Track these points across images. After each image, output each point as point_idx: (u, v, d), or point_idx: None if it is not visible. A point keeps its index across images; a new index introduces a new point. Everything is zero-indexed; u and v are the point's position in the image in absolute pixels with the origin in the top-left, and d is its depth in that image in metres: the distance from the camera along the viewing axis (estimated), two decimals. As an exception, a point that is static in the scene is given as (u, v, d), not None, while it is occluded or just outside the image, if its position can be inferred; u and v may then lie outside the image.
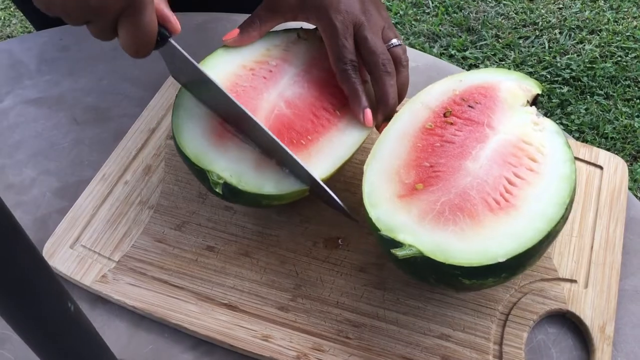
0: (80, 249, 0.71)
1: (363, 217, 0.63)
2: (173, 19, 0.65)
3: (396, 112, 0.70)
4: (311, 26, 0.75)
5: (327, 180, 0.67)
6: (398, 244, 0.58)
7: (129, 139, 0.80)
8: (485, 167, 0.63)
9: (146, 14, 0.59)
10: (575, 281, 0.66)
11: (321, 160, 0.67)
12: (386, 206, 0.61)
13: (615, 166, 0.74)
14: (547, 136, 0.65)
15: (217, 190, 0.64)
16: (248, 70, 0.72)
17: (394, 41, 0.70)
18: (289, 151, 0.64)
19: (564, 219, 0.59)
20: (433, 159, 0.64)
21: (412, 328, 0.65)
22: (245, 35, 0.73)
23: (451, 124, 0.67)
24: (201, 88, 0.68)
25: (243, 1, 0.97)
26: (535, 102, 0.69)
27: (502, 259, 0.56)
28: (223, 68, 0.72)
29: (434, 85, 0.71)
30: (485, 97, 0.69)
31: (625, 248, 0.69)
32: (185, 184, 0.76)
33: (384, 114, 0.69)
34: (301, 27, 0.77)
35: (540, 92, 0.69)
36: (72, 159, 0.81)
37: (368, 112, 0.68)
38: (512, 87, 0.69)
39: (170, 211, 0.74)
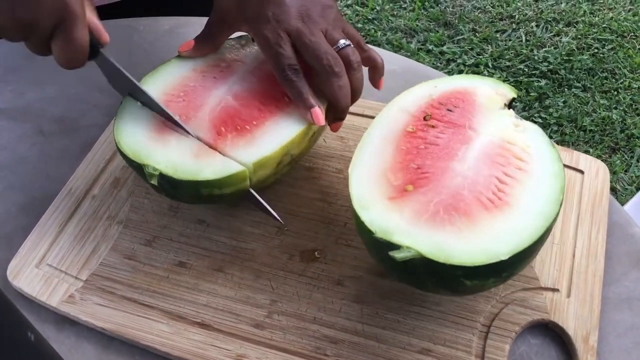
0: (46, 268, 0.68)
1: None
2: (104, 31, 0.66)
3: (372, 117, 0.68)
4: None
5: (277, 164, 0.66)
6: (394, 247, 0.55)
7: (96, 151, 0.77)
8: (474, 168, 0.61)
9: (78, 29, 0.60)
10: (557, 290, 0.65)
11: (265, 141, 0.66)
12: (377, 208, 0.59)
13: (596, 170, 0.73)
14: (530, 136, 0.64)
15: (153, 182, 0.63)
16: (198, 73, 0.72)
17: (341, 42, 0.67)
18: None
19: (557, 216, 0.58)
20: (419, 160, 0.62)
21: (392, 343, 0.63)
22: (200, 48, 0.73)
23: (432, 126, 0.65)
24: (136, 95, 0.69)
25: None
26: (511, 105, 0.68)
27: (505, 257, 0.54)
28: (173, 73, 0.72)
29: (409, 91, 0.69)
30: (463, 101, 0.67)
31: (607, 254, 0.68)
32: (155, 197, 0.73)
33: (333, 114, 0.68)
34: None
35: (515, 96, 0.68)
36: (38, 173, 0.78)
37: (315, 112, 0.66)
38: (488, 91, 0.68)
39: (140, 226, 0.71)
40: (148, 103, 0.68)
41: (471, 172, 0.61)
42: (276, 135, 0.66)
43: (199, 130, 0.66)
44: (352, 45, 0.68)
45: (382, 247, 0.57)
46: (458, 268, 0.54)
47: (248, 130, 0.66)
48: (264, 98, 0.69)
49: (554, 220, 0.57)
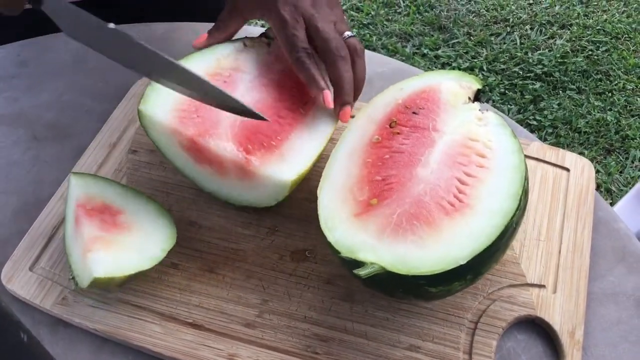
0: (39, 271, 0.69)
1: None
2: None
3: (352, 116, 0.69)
4: (255, 34, 0.75)
5: (307, 174, 0.68)
6: (360, 264, 0.57)
7: (89, 155, 0.78)
8: (436, 171, 0.62)
9: None
10: (543, 286, 0.66)
11: (295, 157, 0.67)
12: (343, 227, 0.60)
13: (581, 168, 0.74)
14: (492, 130, 0.65)
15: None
16: None
17: (347, 33, 0.71)
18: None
19: (519, 210, 0.59)
20: (384, 171, 0.63)
21: (381, 340, 0.64)
22: (212, 38, 0.75)
23: (398, 133, 0.66)
24: (102, 38, 0.63)
25: (205, 10, 0.97)
26: (477, 97, 0.69)
27: (463, 261, 0.55)
28: None
29: (377, 97, 0.70)
30: (428, 101, 0.68)
31: (593, 250, 0.69)
32: (147, 200, 0.74)
33: (340, 100, 0.69)
34: (245, 37, 0.77)
35: (480, 87, 0.68)
36: (32, 178, 0.79)
37: (327, 94, 0.68)
38: (452, 86, 0.69)
39: (132, 228, 0.72)
40: (118, 54, 0.63)
41: (433, 177, 0.61)
42: (305, 149, 0.68)
43: (226, 150, 0.67)
44: (357, 37, 0.71)
45: (349, 265, 0.58)
46: (420, 277, 0.55)
47: (275, 146, 0.67)
48: (279, 110, 0.70)
49: (515, 215, 0.58)
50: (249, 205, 0.70)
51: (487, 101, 2.02)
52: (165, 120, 0.69)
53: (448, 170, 0.62)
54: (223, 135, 0.68)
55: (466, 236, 0.57)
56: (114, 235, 0.65)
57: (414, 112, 0.67)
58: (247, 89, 0.72)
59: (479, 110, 0.67)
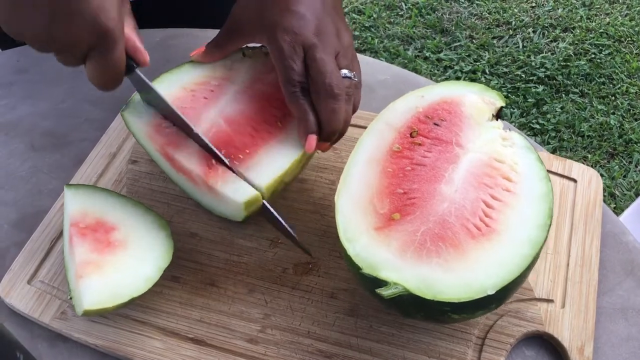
0: (38, 284, 0.68)
1: (333, 248, 0.60)
2: (143, 50, 0.65)
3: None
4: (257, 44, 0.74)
5: (272, 193, 0.66)
6: (381, 282, 0.55)
7: (88, 165, 0.77)
8: (461, 191, 0.60)
9: (116, 51, 0.59)
10: (552, 301, 0.64)
11: (258, 173, 0.66)
12: (364, 240, 0.58)
13: (589, 179, 0.72)
14: (518, 152, 0.64)
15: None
16: (188, 92, 0.71)
17: (344, 72, 0.67)
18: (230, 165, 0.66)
19: (545, 240, 0.58)
20: (406, 184, 0.61)
21: (386, 357, 0.62)
22: (207, 54, 0.74)
23: (419, 144, 0.64)
24: (165, 113, 0.69)
25: (204, 17, 0.96)
26: (499, 114, 0.67)
27: (491, 292, 0.54)
28: (162, 91, 0.69)
29: (396, 103, 0.69)
30: (450, 113, 0.66)
31: (601, 263, 0.68)
32: (148, 211, 0.73)
33: (323, 136, 0.66)
34: (246, 46, 0.76)
35: (504, 105, 0.67)
36: (30, 188, 0.78)
37: (311, 139, 0.65)
38: (476, 101, 0.67)
39: (132, 241, 0.71)
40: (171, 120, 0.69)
41: (458, 196, 0.60)
42: (269, 167, 0.66)
43: (191, 162, 0.66)
44: (353, 79, 0.67)
45: (370, 282, 0.56)
46: (445, 304, 0.54)
47: (241, 160, 0.66)
48: (256, 123, 0.69)
49: (542, 246, 0.57)
50: (225, 217, 0.69)
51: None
52: (142, 126, 0.69)
53: (474, 191, 0.60)
54: (191, 146, 0.67)
55: (494, 264, 0.55)
56: (107, 257, 0.64)
57: (435, 124, 0.65)
58: (231, 100, 0.71)
59: (503, 129, 0.65)
